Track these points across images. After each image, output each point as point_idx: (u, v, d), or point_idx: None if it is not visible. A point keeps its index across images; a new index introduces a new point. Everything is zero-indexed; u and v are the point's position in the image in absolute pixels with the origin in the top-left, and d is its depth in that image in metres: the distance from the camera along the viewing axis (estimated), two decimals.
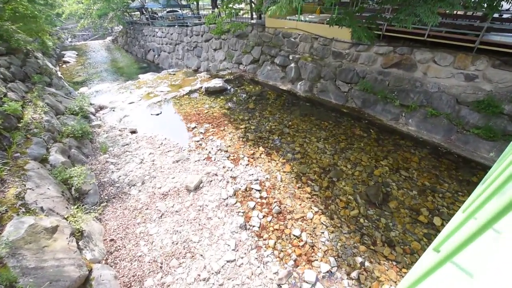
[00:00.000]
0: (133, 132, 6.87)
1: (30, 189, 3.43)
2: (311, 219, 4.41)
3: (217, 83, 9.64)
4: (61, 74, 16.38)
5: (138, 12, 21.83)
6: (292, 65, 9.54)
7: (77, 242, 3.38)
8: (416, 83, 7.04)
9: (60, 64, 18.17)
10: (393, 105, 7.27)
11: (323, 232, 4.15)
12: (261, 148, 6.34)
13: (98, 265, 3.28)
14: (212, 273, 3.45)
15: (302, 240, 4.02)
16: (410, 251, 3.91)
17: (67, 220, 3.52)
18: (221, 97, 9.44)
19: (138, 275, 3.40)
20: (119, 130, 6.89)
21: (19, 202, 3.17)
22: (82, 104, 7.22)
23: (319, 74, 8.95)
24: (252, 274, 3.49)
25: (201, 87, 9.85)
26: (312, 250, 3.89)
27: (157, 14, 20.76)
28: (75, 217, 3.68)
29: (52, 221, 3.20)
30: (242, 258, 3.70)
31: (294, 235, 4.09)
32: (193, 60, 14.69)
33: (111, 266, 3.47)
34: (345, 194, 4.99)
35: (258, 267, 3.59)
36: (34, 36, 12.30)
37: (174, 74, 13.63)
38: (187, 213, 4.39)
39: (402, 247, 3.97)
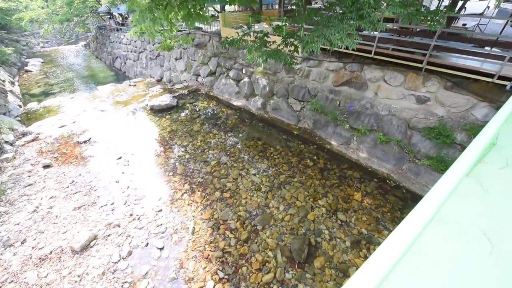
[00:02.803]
0: (47, 166, 6.05)
1: None
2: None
3: (163, 100, 8.81)
4: (18, 85, 15.47)
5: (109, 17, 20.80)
6: (246, 79, 8.74)
7: None
8: (367, 104, 6.28)
9: (21, 74, 17.18)
10: (343, 128, 6.51)
11: None
12: (186, 185, 5.56)
13: None
14: None
15: None
16: None
17: None
18: (167, 116, 8.63)
19: None
20: (31, 165, 6.06)
21: None
22: None
23: (272, 90, 8.17)
24: None
25: (147, 105, 9.02)
26: None
27: (127, 19, 19.76)
28: None
29: None
30: None
31: None
32: (156, 70, 13.81)
33: None
34: (265, 249, 4.23)
35: None
36: None
37: (134, 85, 12.77)
38: (59, 287, 3.61)
39: None
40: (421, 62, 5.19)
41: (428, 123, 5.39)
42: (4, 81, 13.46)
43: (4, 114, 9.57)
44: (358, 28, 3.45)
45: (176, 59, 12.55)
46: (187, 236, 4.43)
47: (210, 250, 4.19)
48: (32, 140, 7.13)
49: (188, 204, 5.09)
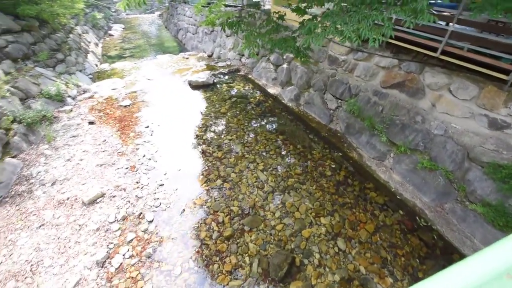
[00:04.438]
0: (91, 123, 6.97)
1: None
2: (178, 276, 3.69)
3: (201, 77, 8.95)
4: (101, 47, 18.11)
5: None
6: (284, 65, 8.04)
7: None
8: (417, 116, 4.98)
9: (105, 37, 20.01)
10: (379, 140, 5.41)
11: None
12: (193, 166, 5.64)
13: None
14: None
15: None
16: None
17: None
18: (201, 93, 8.78)
19: None
20: (81, 119, 7.08)
21: None
22: (59, 88, 7.61)
23: (309, 81, 7.31)
24: None
25: (186, 80, 9.33)
26: None
27: None
28: None
29: None
30: None
31: None
32: (209, 45, 14.08)
33: None
34: (244, 253, 4.00)
35: None
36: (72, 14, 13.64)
37: (187, 58, 13.43)
38: (63, 230, 4.20)
39: None
40: (508, 72, 3.68)
41: (497, 158, 3.94)
42: (90, 42, 15.94)
43: (80, 71, 11.39)
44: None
45: (227, 36, 12.45)
46: (176, 216, 4.54)
47: (190, 237, 4.21)
48: (89, 98, 8.29)
49: (188, 185, 5.18)
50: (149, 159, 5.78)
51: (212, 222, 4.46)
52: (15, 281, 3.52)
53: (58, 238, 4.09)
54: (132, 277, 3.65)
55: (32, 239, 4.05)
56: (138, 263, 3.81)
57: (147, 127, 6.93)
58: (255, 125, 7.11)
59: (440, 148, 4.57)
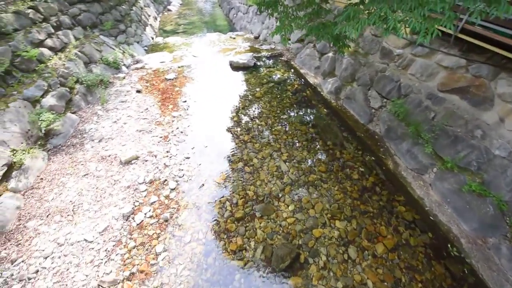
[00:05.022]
0: (138, 91, 7.63)
1: None
2: (187, 243, 3.98)
3: (242, 58, 8.91)
4: (159, 21, 19.26)
5: None
6: (330, 54, 7.47)
7: (9, 172, 4.44)
8: (477, 130, 4.20)
9: (164, 12, 21.14)
10: (423, 151, 4.77)
11: (183, 266, 3.72)
12: (218, 145, 5.81)
13: (10, 194, 4.27)
14: (66, 244, 3.87)
15: (157, 261, 3.76)
16: None
17: (12, 153, 4.61)
18: (240, 74, 8.79)
19: (29, 214, 4.23)
20: (130, 87, 7.80)
21: None
22: (117, 56, 8.42)
23: (354, 74, 6.68)
24: (90, 262, 3.68)
25: (228, 60, 9.40)
26: (155, 274, 3.60)
27: None
28: (24, 151, 4.77)
29: None
30: (98, 243, 3.90)
31: (155, 251, 3.87)
32: (257, 26, 13.79)
33: (24, 199, 4.43)
34: (250, 237, 4.09)
35: (101, 260, 3.72)
36: None
37: (234, 38, 13.49)
38: (101, 182, 4.83)
39: None
40: None
41: None
42: (149, 16, 17.07)
43: (138, 42, 12.38)
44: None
45: (276, 18, 11.98)
46: (195, 189, 4.81)
47: (204, 211, 4.44)
48: (140, 68, 9.03)
49: (211, 162, 5.39)
50: (181, 132, 6.14)
51: (227, 202, 4.61)
52: (60, 216, 4.23)
53: (97, 188, 4.72)
54: (148, 235, 4.06)
55: (77, 185, 4.76)
56: (156, 224, 4.21)
57: (185, 101, 7.31)
58: (288, 114, 6.91)
59: (498, 173, 3.82)
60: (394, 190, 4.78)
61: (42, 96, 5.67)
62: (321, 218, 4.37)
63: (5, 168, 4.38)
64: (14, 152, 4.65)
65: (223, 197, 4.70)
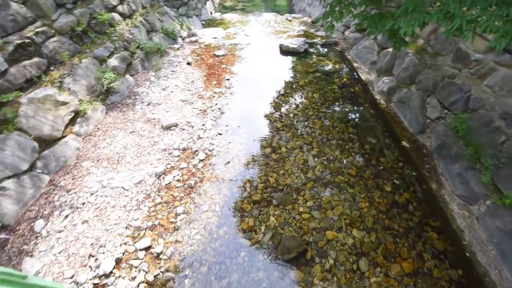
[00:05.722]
0: (188, 63, 8.05)
1: (71, 75, 5.42)
2: (204, 211, 4.28)
3: (293, 43, 8.56)
4: None
5: None
6: (391, 49, 6.64)
7: (75, 118, 5.28)
8: None
9: None
10: (478, 178, 4.07)
11: (196, 230, 4.04)
12: (251, 129, 5.89)
13: (73, 136, 5.11)
14: (108, 187, 4.53)
15: (176, 220, 4.16)
16: None
17: (79, 102, 5.43)
18: (288, 59, 8.52)
19: (84, 155, 5.02)
20: (182, 58, 8.27)
21: (58, 80, 5.21)
22: (175, 28, 8.90)
23: (414, 76, 5.86)
24: (123, 207, 4.26)
25: (278, 43, 9.14)
26: (172, 231, 4.00)
27: None
28: (88, 103, 5.57)
29: (65, 98, 5.11)
30: (132, 192, 4.46)
31: (176, 211, 4.26)
32: (317, 10, 12.90)
33: (83, 142, 5.26)
34: (262, 222, 4.19)
35: (132, 207, 4.27)
36: None
37: (290, 20, 13.05)
38: (143, 141, 5.40)
39: None
40: None
41: None
42: None
43: (197, 16, 12.84)
44: None
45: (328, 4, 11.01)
46: (220, 165, 5.04)
47: (224, 187, 4.66)
48: (194, 41, 9.44)
49: (241, 142, 5.53)
50: (219, 109, 6.37)
51: (247, 183, 4.74)
52: (107, 162, 4.92)
53: (139, 145, 5.31)
54: (173, 196, 4.48)
55: (124, 139, 5.41)
56: (181, 188, 4.60)
57: (228, 79, 7.48)
58: (329, 108, 6.55)
59: None
60: (430, 214, 4.26)
61: (108, 57, 6.42)
62: (338, 221, 4.19)
63: (73, 114, 5.21)
64: (81, 102, 5.47)
65: (244, 177, 4.84)
